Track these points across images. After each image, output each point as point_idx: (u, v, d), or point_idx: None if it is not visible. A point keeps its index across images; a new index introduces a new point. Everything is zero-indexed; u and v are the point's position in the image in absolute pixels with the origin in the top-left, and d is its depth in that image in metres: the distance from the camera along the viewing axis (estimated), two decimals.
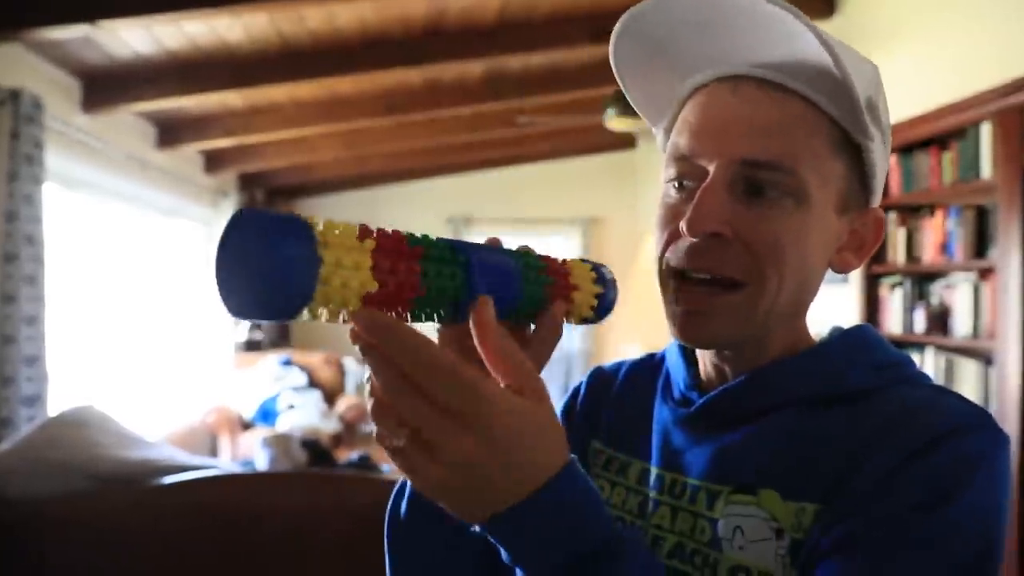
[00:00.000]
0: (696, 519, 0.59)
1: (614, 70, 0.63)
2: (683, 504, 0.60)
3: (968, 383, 2.52)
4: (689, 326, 0.59)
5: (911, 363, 0.60)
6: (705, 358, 0.65)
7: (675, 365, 0.68)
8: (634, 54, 0.61)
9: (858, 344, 0.60)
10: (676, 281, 0.59)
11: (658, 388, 0.70)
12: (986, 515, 0.48)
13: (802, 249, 0.56)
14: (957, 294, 2.62)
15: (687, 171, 0.58)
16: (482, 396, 0.39)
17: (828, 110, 0.55)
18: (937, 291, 2.76)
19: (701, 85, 0.60)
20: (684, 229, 0.55)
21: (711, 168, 0.56)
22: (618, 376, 0.76)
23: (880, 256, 2.98)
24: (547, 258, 0.52)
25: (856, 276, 3.13)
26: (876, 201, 0.61)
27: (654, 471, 0.64)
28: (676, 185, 0.59)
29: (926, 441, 0.49)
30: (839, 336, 0.62)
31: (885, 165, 0.60)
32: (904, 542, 0.46)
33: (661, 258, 0.60)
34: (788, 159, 0.54)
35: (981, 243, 2.53)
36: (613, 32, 0.59)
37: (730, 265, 0.56)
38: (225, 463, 2.19)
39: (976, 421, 0.51)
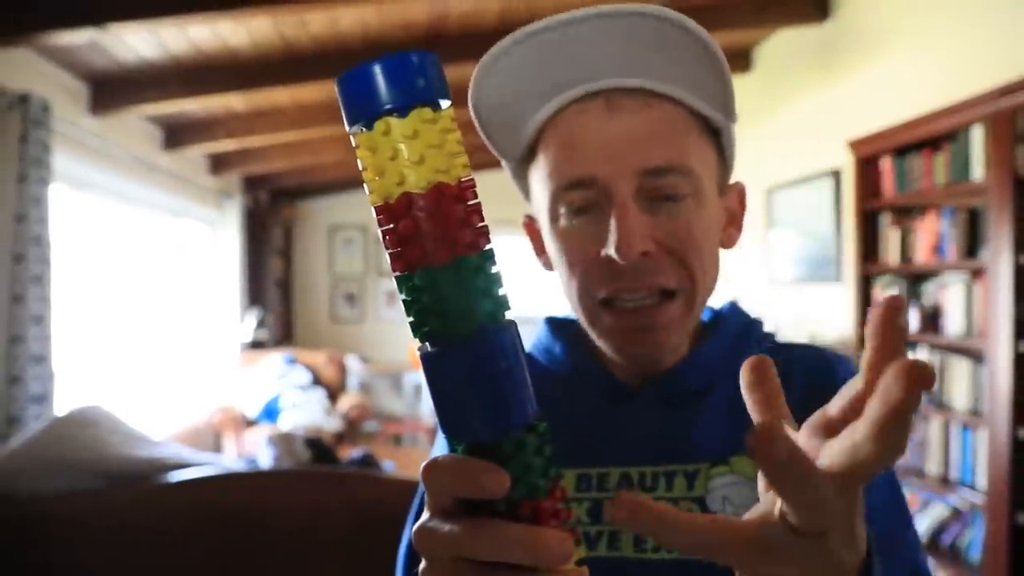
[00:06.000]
0: (677, 505, 0.58)
1: (472, 113, 0.60)
2: (659, 494, 0.59)
3: (960, 381, 2.56)
4: (639, 342, 0.59)
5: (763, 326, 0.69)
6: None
7: (581, 364, 0.67)
8: (495, 92, 0.58)
9: (746, 320, 0.68)
10: (607, 311, 0.59)
11: (563, 393, 0.66)
12: None
13: (711, 240, 0.59)
14: (949, 294, 2.65)
15: (584, 196, 0.57)
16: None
17: (693, 104, 0.57)
18: (930, 291, 2.79)
19: (564, 106, 0.58)
20: (614, 256, 0.54)
21: (614, 186, 0.55)
22: None
23: (874, 256, 3.02)
24: None
25: (850, 276, 3.16)
26: (731, 176, 0.65)
27: (608, 471, 0.62)
28: (573, 212, 0.58)
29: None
30: (733, 316, 0.68)
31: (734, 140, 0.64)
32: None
33: (585, 292, 0.59)
34: (681, 159, 0.56)
35: (973, 244, 2.56)
36: (472, 78, 0.57)
37: (664, 276, 0.57)
38: (230, 461, 2.23)
39: (846, 358, 0.63)
